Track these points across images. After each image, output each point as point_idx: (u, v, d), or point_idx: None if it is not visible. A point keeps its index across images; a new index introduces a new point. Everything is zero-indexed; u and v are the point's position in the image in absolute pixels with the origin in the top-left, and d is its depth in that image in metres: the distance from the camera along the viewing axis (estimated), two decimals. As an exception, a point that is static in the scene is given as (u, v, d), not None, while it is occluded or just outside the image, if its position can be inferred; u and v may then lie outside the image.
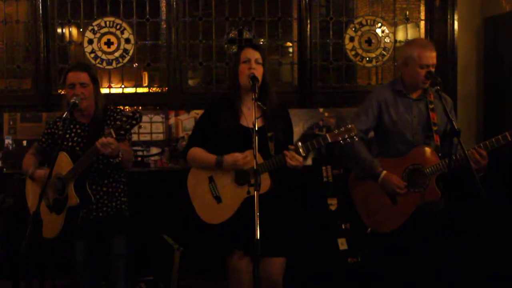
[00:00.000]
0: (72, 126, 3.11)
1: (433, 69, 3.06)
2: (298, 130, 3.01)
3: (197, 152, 2.88)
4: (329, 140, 2.64)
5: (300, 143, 2.65)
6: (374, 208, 3.17)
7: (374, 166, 3.12)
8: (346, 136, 2.64)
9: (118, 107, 3.47)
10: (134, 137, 4.26)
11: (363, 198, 3.22)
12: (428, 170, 3.04)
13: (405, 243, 3.13)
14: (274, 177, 2.75)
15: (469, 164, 2.77)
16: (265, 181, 2.71)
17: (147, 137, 4.39)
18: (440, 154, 3.06)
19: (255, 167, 2.43)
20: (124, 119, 2.73)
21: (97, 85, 3.13)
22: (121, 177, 3.18)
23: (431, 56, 3.05)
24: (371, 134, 3.31)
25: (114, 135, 2.75)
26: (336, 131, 2.65)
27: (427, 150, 3.08)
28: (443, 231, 3.11)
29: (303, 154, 2.65)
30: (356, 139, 2.66)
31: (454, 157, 2.90)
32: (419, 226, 3.10)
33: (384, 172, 3.10)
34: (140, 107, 4.61)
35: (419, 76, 3.06)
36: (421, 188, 3.07)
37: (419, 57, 3.04)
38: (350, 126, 2.65)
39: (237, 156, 2.73)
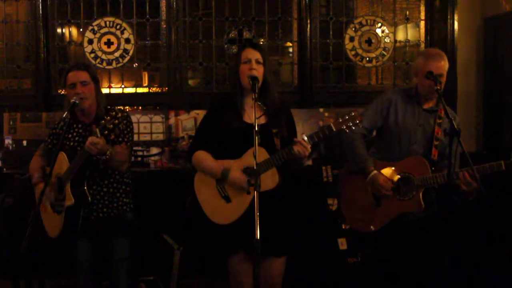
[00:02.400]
0: (74, 126, 3.11)
1: (442, 79, 3.03)
2: (298, 130, 3.00)
3: (203, 158, 2.84)
4: (334, 129, 2.64)
5: (304, 135, 2.65)
6: (357, 205, 3.19)
7: (367, 163, 3.14)
8: (351, 123, 2.63)
9: (119, 107, 3.46)
10: (134, 137, 4.25)
11: (349, 194, 3.24)
12: (417, 181, 3.05)
13: (401, 245, 3.13)
14: (281, 174, 2.74)
15: (472, 168, 2.77)
16: (274, 176, 2.70)
17: (147, 137, 4.39)
18: (433, 168, 3.06)
19: (255, 167, 2.42)
20: (107, 118, 2.74)
21: (97, 84, 3.12)
22: (123, 177, 3.15)
23: (436, 67, 3.03)
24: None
25: (98, 134, 2.75)
26: (340, 120, 2.65)
27: (421, 161, 3.07)
28: (437, 234, 3.11)
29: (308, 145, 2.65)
30: (360, 126, 2.65)
31: (452, 170, 2.86)
32: (413, 229, 3.10)
33: (375, 171, 3.10)
34: (140, 107, 4.61)
35: (427, 86, 3.06)
36: (407, 197, 3.07)
37: (425, 68, 3.04)
38: (353, 113, 2.64)
39: (243, 179, 2.72)
